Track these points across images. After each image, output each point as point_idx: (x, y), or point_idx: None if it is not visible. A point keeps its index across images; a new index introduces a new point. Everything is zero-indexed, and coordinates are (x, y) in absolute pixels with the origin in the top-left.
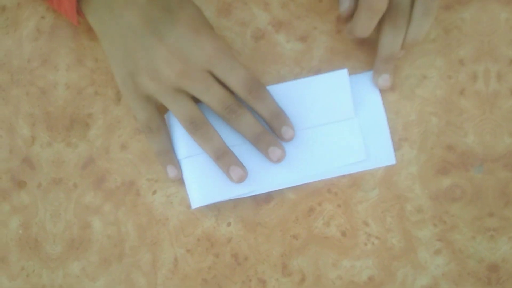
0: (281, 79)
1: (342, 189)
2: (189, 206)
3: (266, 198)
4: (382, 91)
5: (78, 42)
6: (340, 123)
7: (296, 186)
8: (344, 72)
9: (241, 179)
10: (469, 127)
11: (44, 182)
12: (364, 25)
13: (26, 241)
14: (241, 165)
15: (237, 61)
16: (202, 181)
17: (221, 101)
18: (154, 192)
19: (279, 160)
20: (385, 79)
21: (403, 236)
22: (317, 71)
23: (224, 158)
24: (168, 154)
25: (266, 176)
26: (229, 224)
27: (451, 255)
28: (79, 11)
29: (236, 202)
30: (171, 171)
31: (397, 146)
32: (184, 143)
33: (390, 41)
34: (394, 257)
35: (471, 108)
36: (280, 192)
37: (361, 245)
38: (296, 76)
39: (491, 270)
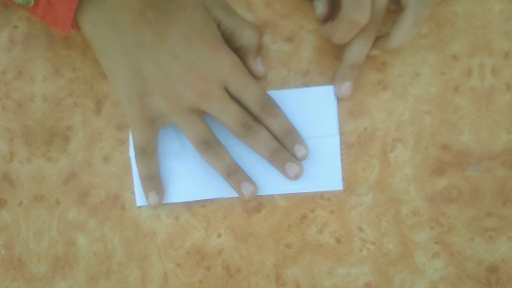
0: (268, 82)
1: (335, 194)
2: (177, 218)
3: (256, 206)
4: (370, 94)
5: (54, 51)
6: (321, 140)
7: (288, 193)
8: (331, 88)
9: (252, 195)
10: (465, 124)
11: (25, 199)
12: (343, 36)
13: (10, 261)
14: (251, 181)
15: (251, 77)
16: (174, 179)
17: (238, 118)
18: (140, 205)
19: (296, 177)
20: (347, 87)
21: (400, 240)
22: (306, 72)
23: (235, 176)
24: (154, 180)
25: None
26: (219, 235)
27: (449, 258)
28: (72, 23)
29: (226, 212)
30: (153, 198)
31: (390, 148)
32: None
33: (358, 49)
34: (391, 262)
35: (466, 105)
36: (272, 200)
37: (357, 251)
38: (284, 79)
39: (491, 271)
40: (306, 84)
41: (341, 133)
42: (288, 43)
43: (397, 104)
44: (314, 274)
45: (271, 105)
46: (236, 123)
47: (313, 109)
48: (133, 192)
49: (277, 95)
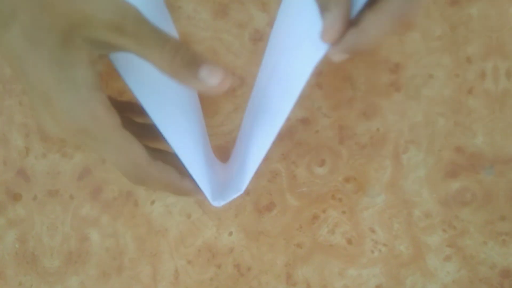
0: None
1: (347, 195)
2: (189, 215)
3: (268, 205)
4: (383, 96)
5: None
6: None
7: (299, 192)
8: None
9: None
10: (478, 127)
11: (40, 194)
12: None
13: (23, 255)
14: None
15: None
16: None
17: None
18: (153, 202)
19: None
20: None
21: (411, 242)
22: (319, 73)
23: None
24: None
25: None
26: (230, 234)
27: (461, 262)
28: None
29: (237, 211)
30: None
31: (403, 149)
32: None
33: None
34: (403, 265)
35: (480, 108)
36: (283, 199)
37: (368, 253)
38: None
39: (504, 276)
40: (319, 84)
41: (354, 134)
42: None
43: (410, 106)
44: (324, 275)
45: None
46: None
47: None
48: (146, 189)
49: None
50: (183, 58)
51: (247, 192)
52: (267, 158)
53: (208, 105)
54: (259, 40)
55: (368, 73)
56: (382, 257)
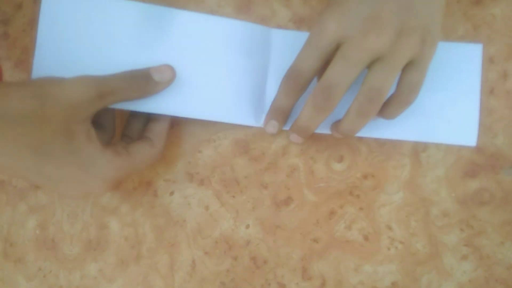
0: None
1: (365, 192)
2: (207, 207)
3: (285, 200)
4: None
5: None
6: (460, 95)
7: (317, 187)
8: (479, 47)
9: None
10: (499, 128)
11: None
12: (394, 114)
13: (43, 241)
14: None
15: None
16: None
17: None
18: (172, 193)
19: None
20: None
21: (428, 241)
22: None
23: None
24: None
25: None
26: (247, 227)
27: (478, 261)
28: None
29: (255, 204)
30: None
31: (422, 148)
32: None
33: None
34: (419, 263)
35: (501, 108)
36: (301, 194)
37: (384, 250)
38: None
39: None
40: None
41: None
42: None
43: None
44: (340, 270)
45: None
46: None
47: (457, 63)
48: (166, 180)
49: None
50: (143, 78)
51: (265, 185)
52: (285, 153)
53: None
54: None
55: None
56: (398, 255)
